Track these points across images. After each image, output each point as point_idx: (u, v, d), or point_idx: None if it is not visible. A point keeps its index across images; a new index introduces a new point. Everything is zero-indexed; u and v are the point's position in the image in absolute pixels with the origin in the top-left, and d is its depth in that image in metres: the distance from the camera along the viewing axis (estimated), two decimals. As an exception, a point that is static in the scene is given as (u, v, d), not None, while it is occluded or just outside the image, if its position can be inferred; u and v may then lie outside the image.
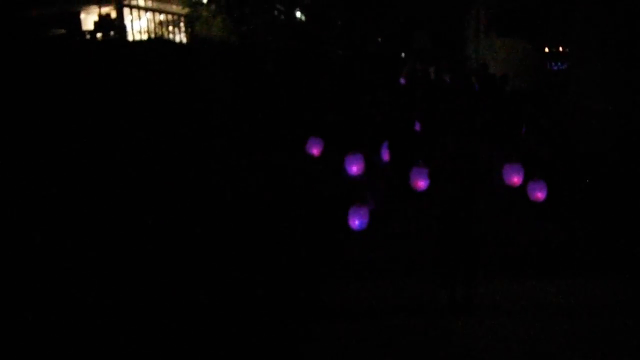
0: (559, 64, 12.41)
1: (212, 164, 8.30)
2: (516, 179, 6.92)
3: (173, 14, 23.78)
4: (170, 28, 23.54)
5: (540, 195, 6.91)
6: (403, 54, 27.46)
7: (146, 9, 23.23)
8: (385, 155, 8.32)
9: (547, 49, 12.99)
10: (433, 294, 5.31)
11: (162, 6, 23.88)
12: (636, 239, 6.19)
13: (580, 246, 6.49)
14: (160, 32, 21.64)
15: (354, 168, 7.49)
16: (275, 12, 13.72)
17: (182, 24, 23.06)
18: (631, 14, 8.26)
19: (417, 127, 8.90)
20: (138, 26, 22.37)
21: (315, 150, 7.99)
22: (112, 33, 18.52)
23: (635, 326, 4.72)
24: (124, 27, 20.81)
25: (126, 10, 21.85)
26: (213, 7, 18.24)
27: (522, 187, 7.06)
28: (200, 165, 8.03)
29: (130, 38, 20.25)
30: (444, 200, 5.12)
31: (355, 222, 6.40)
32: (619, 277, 5.65)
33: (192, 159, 8.03)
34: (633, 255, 5.94)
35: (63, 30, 17.25)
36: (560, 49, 12.46)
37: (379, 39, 25.66)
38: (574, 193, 7.67)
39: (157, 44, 12.80)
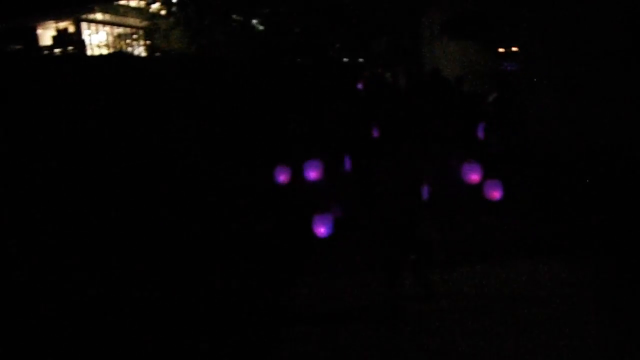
0: (514, 63, 12.82)
1: (175, 174, 8.46)
2: (475, 177, 7.01)
3: (131, 27, 23.71)
4: (129, 41, 23.47)
5: (496, 194, 7.00)
6: (362, 60, 27.89)
7: (104, 23, 23.13)
8: (347, 163, 8.41)
9: (502, 50, 13.30)
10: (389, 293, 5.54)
11: (120, 19, 23.80)
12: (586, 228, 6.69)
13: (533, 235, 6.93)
14: (119, 46, 21.59)
15: (312, 174, 7.42)
16: (234, 24, 13.84)
17: (140, 37, 23.01)
18: (575, 15, 8.68)
19: (375, 133, 8.99)
20: (97, 40, 22.28)
21: (283, 177, 7.75)
22: (70, 48, 18.41)
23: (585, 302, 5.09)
24: (82, 42, 20.71)
25: (84, 25, 21.74)
26: (171, 19, 18.28)
27: (481, 185, 7.35)
28: (164, 175, 8.19)
29: (89, 52, 20.16)
30: (383, 208, 5.31)
31: (321, 230, 6.39)
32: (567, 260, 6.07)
33: (154, 168, 8.16)
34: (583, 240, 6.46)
35: (19, 46, 17.11)
36: (514, 49, 12.88)
37: (337, 46, 25.99)
38: (528, 191, 8.02)
39: (116, 57, 12.84)
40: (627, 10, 7.88)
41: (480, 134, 8.58)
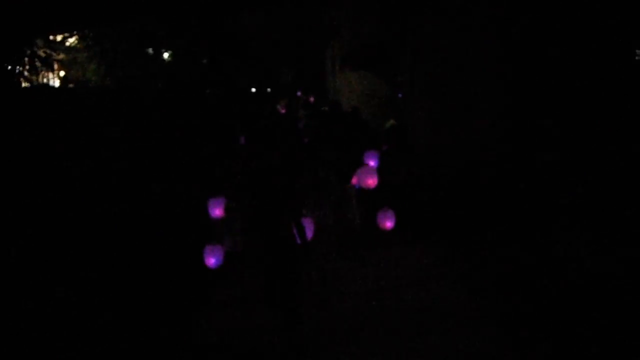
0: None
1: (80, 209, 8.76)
2: (371, 181, 7.23)
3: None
4: (45, 73, 23.08)
5: (389, 224, 7.36)
6: (269, 89, 28.69)
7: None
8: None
9: (399, 79, 14.19)
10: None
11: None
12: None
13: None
14: (35, 78, 21.28)
15: (217, 211, 7.24)
16: (146, 56, 14.23)
17: (56, 69, 22.68)
18: (447, 50, 9.86)
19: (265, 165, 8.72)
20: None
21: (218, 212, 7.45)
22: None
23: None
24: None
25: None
26: (87, 53, 18.34)
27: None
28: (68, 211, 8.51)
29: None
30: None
31: (211, 261, 6.53)
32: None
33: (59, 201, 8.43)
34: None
35: None
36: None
37: (245, 76, 26.63)
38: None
39: (34, 90, 12.91)
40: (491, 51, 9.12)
41: (374, 162, 8.55)
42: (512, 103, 8.82)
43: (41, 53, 18.69)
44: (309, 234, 5.85)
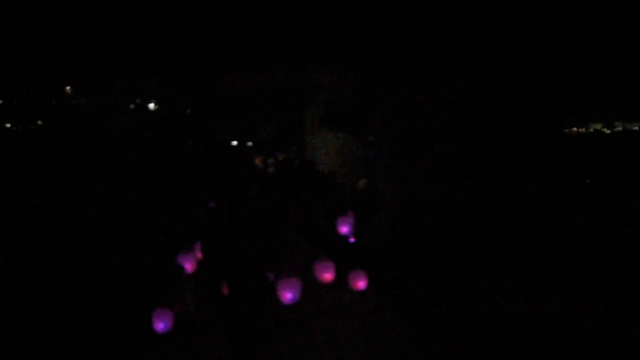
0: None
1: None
2: (327, 276, 7.17)
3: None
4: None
5: (361, 284, 7.35)
6: (250, 143, 29.39)
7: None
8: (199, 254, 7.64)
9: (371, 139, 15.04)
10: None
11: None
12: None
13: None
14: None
15: (187, 266, 7.09)
16: (132, 105, 14.92)
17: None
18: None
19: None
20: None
21: (188, 266, 7.31)
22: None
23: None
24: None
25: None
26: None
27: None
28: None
29: None
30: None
31: (160, 326, 6.24)
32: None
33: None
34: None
35: None
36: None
37: (226, 129, 27.32)
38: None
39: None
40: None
41: (345, 228, 8.58)
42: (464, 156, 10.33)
43: None
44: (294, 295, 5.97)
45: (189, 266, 7.08)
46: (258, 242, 5.77)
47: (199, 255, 7.28)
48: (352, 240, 8.58)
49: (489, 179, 10.06)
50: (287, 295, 6.14)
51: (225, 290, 5.42)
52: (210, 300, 6.49)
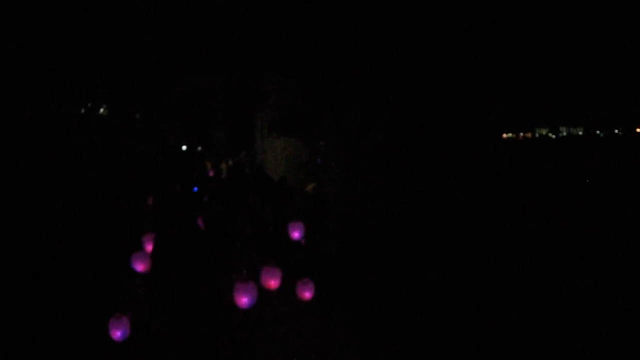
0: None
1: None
2: (273, 282, 6.97)
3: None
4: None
5: (307, 295, 7.15)
6: (200, 148, 29.46)
7: None
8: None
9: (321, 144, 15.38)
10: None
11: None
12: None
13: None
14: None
15: (140, 266, 7.01)
16: (83, 109, 14.89)
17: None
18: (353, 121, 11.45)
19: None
20: None
21: (141, 267, 7.15)
22: None
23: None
24: None
25: None
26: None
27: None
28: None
29: None
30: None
31: (117, 334, 6.07)
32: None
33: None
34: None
35: None
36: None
37: (177, 132, 27.35)
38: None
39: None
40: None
41: (297, 234, 8.50)
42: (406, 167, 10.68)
43: None
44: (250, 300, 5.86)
45: (141, 267, 6.99)
46: (211, 245, 5.88)
47: (149, 249, 7.27)
48: (302, 244, 8.41)
49: (434, 184, 10.45)
50: (244, 300, 6.06)
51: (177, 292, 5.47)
52: (164, 304, 6.39)
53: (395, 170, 10.65)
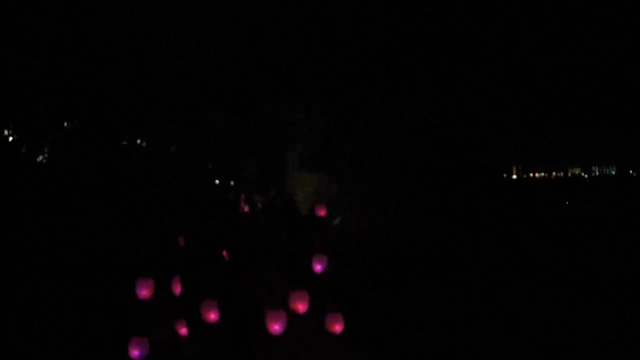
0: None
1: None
2: (301, 307, 6.98)
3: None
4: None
5: (338, 328, 7.03)
6: (232, 182, 29.90)
7: None
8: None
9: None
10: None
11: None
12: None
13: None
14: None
15: (144, 292, 7.06)
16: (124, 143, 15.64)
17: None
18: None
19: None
20: None
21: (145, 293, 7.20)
22: None
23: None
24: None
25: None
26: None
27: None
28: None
29: None
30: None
31: (135, 353, 6.21)
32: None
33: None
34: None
35: None
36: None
37: (209, 166, 27.85)
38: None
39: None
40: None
41: (319, 267, 8.60)
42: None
43: None
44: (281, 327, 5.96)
45: (145, 293, 7.05)
46: (250, 274, 6.08)
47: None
48: (326, 273, 8.67)
49: (453, 215, 10.80)
50: (275, 327, 6.20)
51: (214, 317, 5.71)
52: (198, 327, 6.58)
53: (414, 201, 11.04)
